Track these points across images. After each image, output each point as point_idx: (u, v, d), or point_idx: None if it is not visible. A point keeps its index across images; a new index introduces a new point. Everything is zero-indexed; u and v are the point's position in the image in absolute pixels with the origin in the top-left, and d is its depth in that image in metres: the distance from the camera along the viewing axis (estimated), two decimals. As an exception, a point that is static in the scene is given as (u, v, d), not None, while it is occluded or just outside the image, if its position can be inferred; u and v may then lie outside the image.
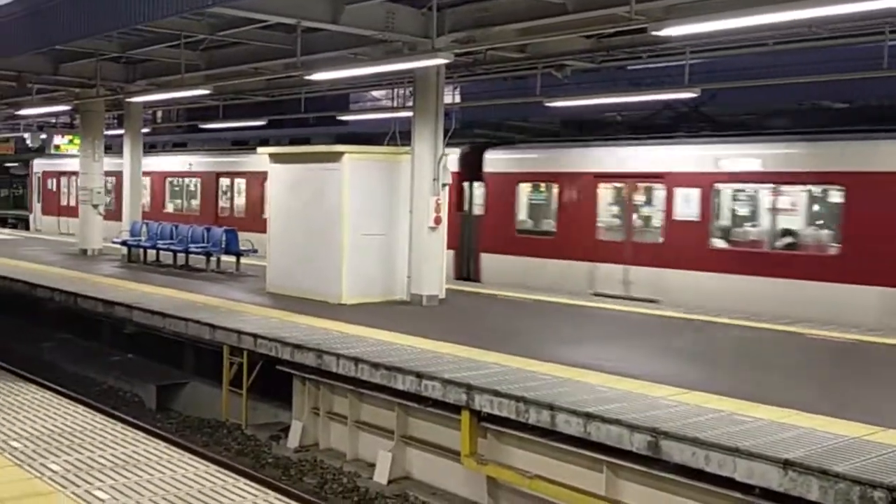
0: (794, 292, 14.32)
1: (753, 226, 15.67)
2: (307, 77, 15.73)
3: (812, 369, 10.49)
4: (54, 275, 18.07)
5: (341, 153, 14.61)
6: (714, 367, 10.27)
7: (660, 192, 16.52)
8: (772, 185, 15.11)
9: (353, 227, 14.51)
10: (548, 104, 17.79)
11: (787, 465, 6.50)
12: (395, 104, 21.30)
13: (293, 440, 11.47)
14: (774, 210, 15.21)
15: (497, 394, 8.61)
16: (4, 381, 10.12)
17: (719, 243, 15.77)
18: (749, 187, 15.68)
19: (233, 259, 19.08)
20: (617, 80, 22.31)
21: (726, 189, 15.85)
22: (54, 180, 34.64)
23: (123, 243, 21.34)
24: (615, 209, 17.66)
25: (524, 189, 19.11)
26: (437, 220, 14.49)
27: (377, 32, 13.52)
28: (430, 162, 14.40)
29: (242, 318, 12.88)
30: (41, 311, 18.06)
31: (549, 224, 18.54)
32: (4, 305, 19.16)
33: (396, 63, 14.14)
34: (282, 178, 15.79)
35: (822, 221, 15.08)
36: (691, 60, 15.08)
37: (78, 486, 6.44)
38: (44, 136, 28.76)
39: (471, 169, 19.57)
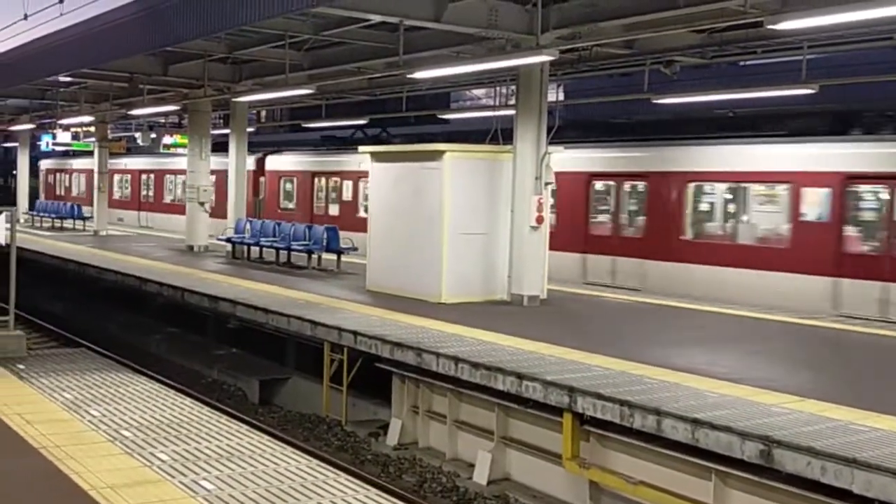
0: None
1: None
2: (409, 76, 15.75)
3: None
4: (163, 270, 18.58)
5: (442, 152, 14.58)
6: (827, 374, 9.86)
7: None
8: None
9: (454, 226, 14.46)
10: (656, 101, 17.43)
11: (910, 478, 6.17)
12: (497, 102, 21.18)
13: (392, 438, 11.49)
14: None
15: (600, 397, 8.43)
16: (117, 372, 10.41)
17: None
18: None
19: (334, 257, 19.31)
20: (721, 76, 21.62)
21: None
22: (52, 176, 43.91)
23: (228, 240, 21.81)
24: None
25: (283, 181, 28.40)
26: (539, 220, 14.30)
27: (480, 30, 13.43)
28: (533, 161, 14.23)
29: (342, 315, 12.97)
30: (151, 305, 18.59)
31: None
32: (117, 299, 19.83)
33: (499, 61, 13.99)
34: (382, 176, 15.85)
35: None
36: (808, 55, 14.48)
37: (185, 475, 6.55)
38: (153, 135, 29.81)
39: (261, 167, 28.66)
